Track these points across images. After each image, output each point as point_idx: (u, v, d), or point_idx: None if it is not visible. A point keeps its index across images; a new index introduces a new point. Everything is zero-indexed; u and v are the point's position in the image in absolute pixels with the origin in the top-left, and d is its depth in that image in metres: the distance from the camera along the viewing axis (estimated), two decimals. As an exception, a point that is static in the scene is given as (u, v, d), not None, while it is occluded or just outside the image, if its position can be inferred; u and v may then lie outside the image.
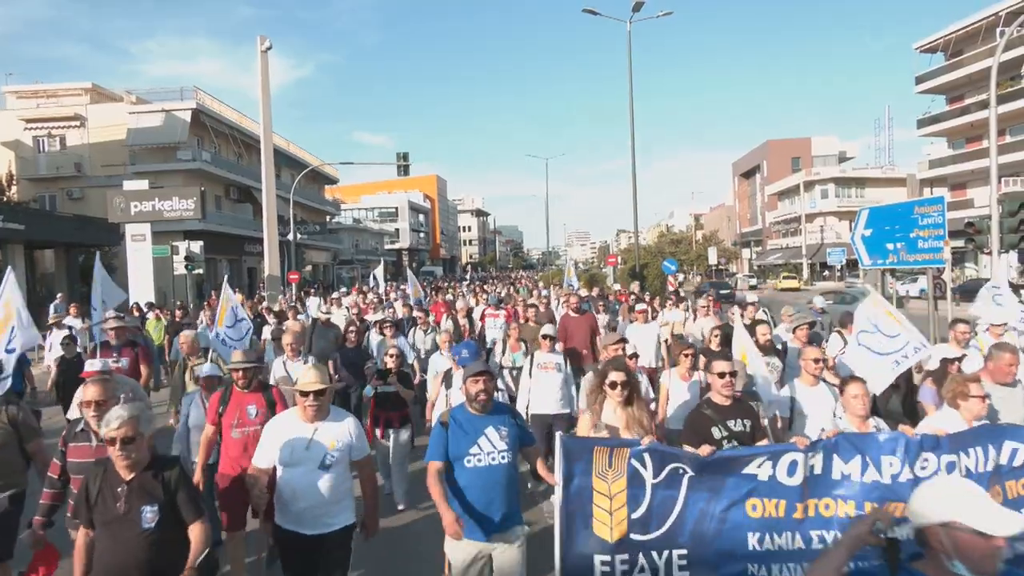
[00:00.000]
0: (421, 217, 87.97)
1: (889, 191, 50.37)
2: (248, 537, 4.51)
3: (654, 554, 3.31)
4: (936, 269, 12.08)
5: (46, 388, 8.74)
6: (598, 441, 3.53)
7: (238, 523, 4.35)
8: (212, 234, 30.24)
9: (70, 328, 10.39)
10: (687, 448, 3.59)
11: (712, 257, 49.63)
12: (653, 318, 9.94)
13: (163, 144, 32.38)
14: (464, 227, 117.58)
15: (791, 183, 57.87)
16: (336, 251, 56.14)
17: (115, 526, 2.83)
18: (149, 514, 2.83)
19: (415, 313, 10.24)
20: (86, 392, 3.70)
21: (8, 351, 6.07)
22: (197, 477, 4.41)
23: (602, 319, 10.05)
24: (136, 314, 13.95)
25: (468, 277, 55.76)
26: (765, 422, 4.10)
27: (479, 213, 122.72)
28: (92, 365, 4.47)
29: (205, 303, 16.47)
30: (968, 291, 25.37)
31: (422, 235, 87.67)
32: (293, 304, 14.75)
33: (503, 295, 18.16)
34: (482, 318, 11.41)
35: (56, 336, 9.64)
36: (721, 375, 3.88)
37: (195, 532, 2.94)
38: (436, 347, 7.40)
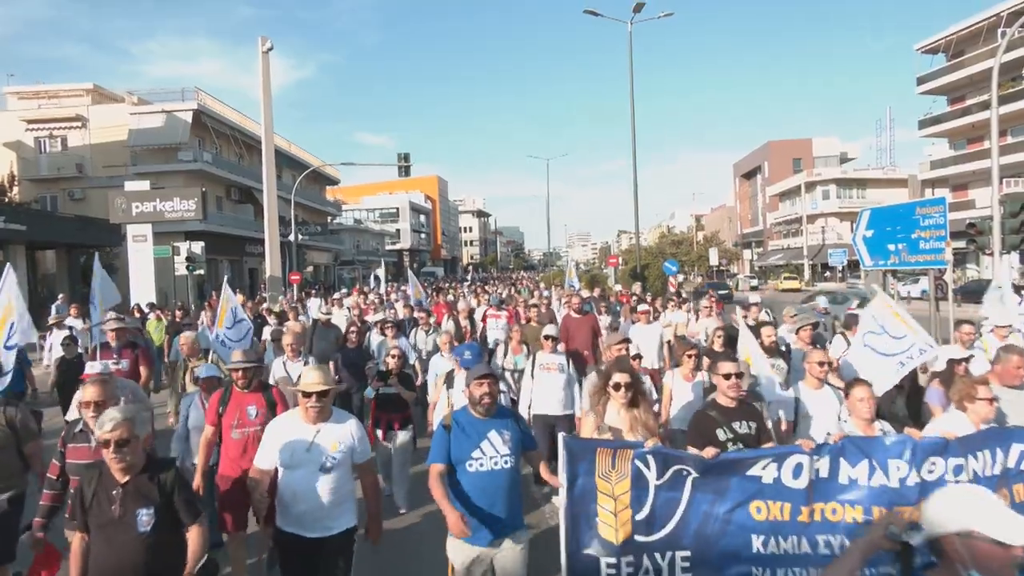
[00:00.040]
0: (422, 218, 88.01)
1: (890, 192, 50.33)
2: (249, 539, 4.48)
3: (657, 556, 3.30)
4: (938, 270, 12.03)
5: (47, 389, 8.72)
6: (601, 443, 3.52)
7: (239, 525, 4.32)
8: (213, 235, 30.26)
9: (71, 329, 10.37)
10: (691, 450, 3.57)
11: (713, 258, 49.58)
12: (655, 319, 9.91)
13: (164, 145, 32.40)
14: (465, 228, 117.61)
15: (792, 184, 57.84)
16: (337, 252, 56.15)
17: (110, 530, 2.79)
18: (145, 517, 2.79)
19: (416, 314, 10.21)
20: (85, 393, 3.69)
21: (8, 347, 6.05)
22: (198, 480, 4.38)
23: (604, 320, 10.01)
24: (137, 315, 13.94)
25: (469, 278, 55.74)
26: (769, 424, 4.08)
27: (480, 214, 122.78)
28: (93, 367, 4.46)
29: (206, 303, 16.45)
30: (970, 292, 25.33)
31: (423, 236, 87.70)
32: (294, 305, 14.72)
33: (504, 296, 18.12)
34: (484, 319, 11.37)
35: (57, 336, 9.62)
36: (727, 376, 3.85)
37: (193, 536, 2.90)
38: (437, 348, 7.37)
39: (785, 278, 48.17)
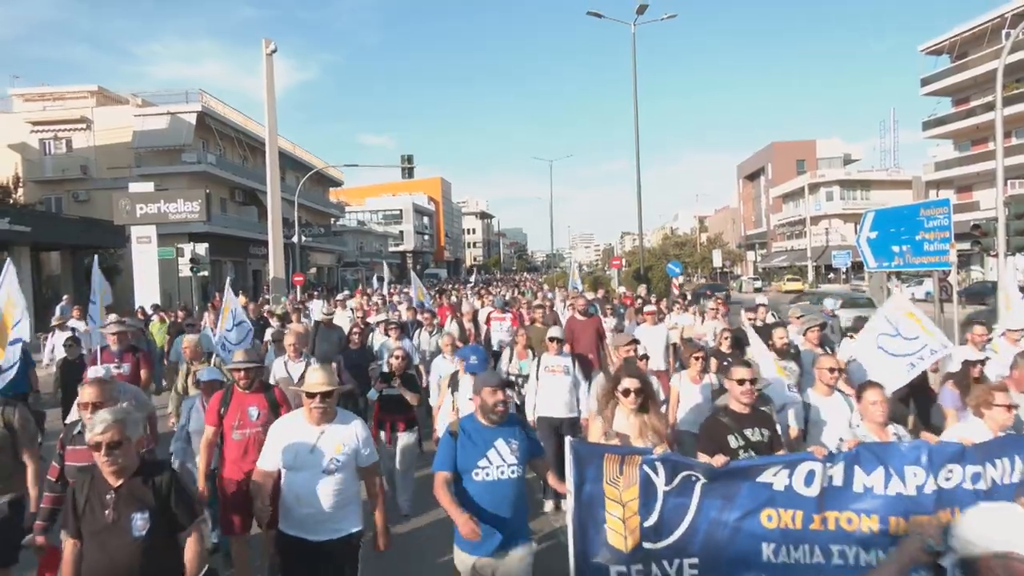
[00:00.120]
0: (425, 219, 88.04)
1: (894, 193, 50.16)
2: (251, 541, 4.44)
3: (665, 563, 3.24)
4: (942, 272, 11.98)
5: (50, 390, 8.69)
6: (608, 448, 3.45)
7: (242, 526, 4.26)
8: (217, 236, 30.27)
9: (73, 330, 10.35)
10: (701, 456, 3.50)
11: (717, 259, 49.48)
12: (660, 320, 9.84)
13: (168, 147, 32.45)
14: (468, 229, 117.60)
15: (796, 185, 57.69)
16: (340, 253, 56.19)
17: (104, 535, 2.69)
18: (139, 522, 2.69)
19: (419, 316, 10.16)
20: (83, 394, 3.64)
21: (11, 342, 6.01)
22: (202, 483, 4.33)
23: (608, 323, 9.94)
24: (141, 317, 13.91)
25: (472, 279, 55.70)
26: (779, 428, 4.00)
27: (483, 215, 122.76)
28: (95, 372, 4.42)
29: (209, 305, 16.43)
30: (974, 294, 25.19)
31: (426, 237, 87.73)
32: (297, 306, 14.69)
33: (508, 298, 18.06)
34: (487, 321, 11.31)
35: (59, 338, 9.59)
36: (741, 382, 3.77)
37: (190, 544, 2.82)
38: (440, 350, 7.30)
39: (788, 280, 48.00)
